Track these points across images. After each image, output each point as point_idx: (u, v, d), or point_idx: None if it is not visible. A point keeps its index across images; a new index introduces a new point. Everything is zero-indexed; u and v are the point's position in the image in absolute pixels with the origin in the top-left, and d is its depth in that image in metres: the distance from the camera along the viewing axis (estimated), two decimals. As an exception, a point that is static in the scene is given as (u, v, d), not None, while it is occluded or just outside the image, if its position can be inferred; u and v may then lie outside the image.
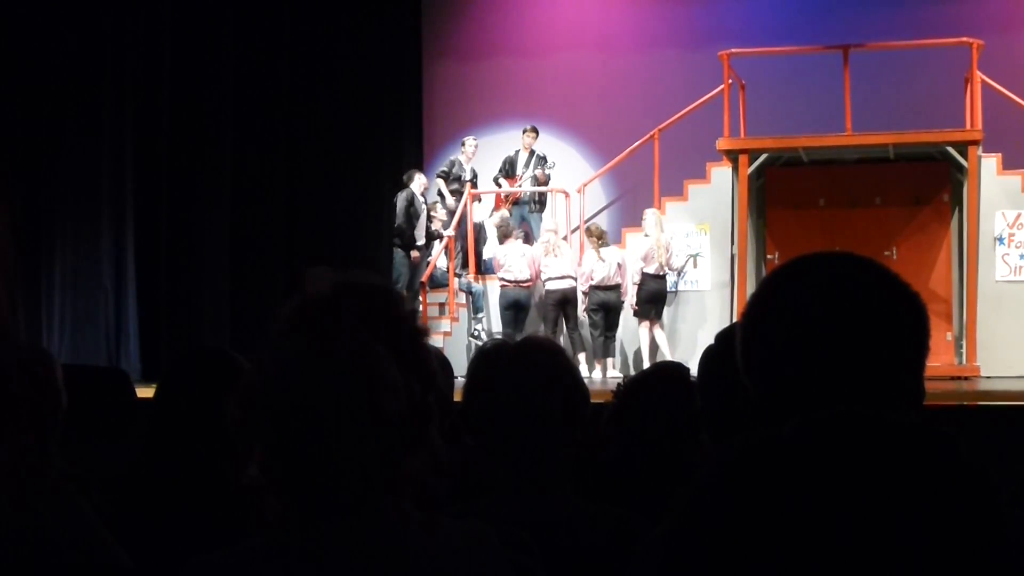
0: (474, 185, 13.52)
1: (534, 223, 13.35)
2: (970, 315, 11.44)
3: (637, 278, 11.95)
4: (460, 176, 13.52)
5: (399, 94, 14.17)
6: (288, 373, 1.58)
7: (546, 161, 13.52)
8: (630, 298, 12.02)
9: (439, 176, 13.57)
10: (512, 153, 13.62)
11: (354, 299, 1.85)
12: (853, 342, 1.45)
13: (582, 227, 13.20)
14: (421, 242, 12.69)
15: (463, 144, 13.63)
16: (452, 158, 13.72)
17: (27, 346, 2.72)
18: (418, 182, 12.78)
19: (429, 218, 12.92)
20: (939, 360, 11.35)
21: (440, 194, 13.46)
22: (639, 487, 2.74)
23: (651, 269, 11.91)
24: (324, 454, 1.54)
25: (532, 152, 13.52)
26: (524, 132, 13.56)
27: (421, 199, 12.74)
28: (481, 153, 13.88)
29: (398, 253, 12.52)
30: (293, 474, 1.56)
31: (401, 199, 12.60)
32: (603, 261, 11.97)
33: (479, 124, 14.26)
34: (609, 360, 12.01)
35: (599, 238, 12.11)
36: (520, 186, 13.52)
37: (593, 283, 11.99)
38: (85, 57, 12.13)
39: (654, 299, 11.98)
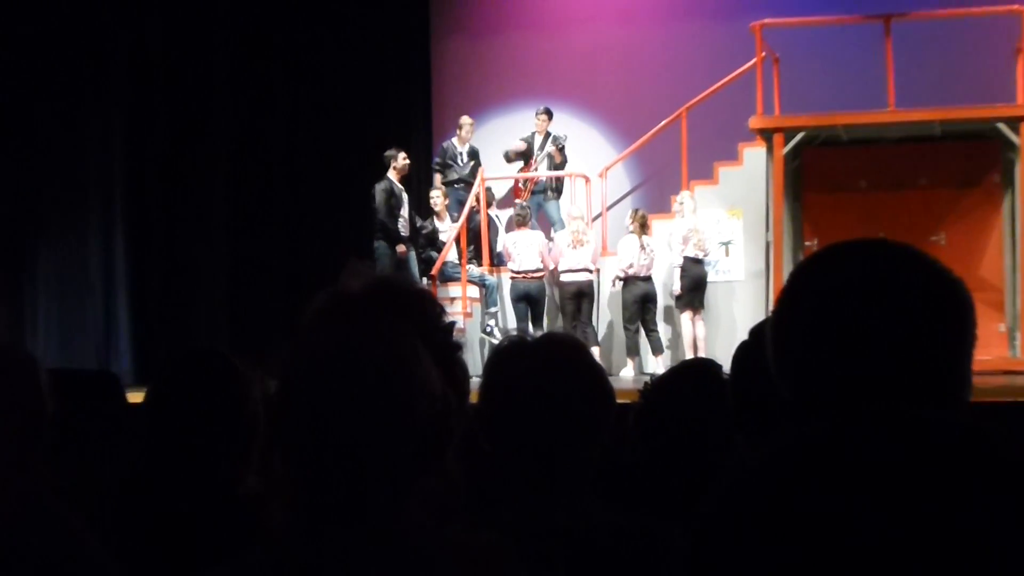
0: (477, 166, 13.42)
1: (551, 211, 13.29)
2: (1024, 304, 11.40)
3: (679, 262, 11.90)
4: (456, 161, 13.46)
5: (407, 72, 14.15)
6: (320, 365, 1.59)
7: (556, 137, 13.40)
8: (674, 286, 11.92)
9: (434, 170, 13.45)
10: (528, 135, 13.58)
11: (391, 298, 1.85)
12: (890, 334, 1.44)
13: (604, 215, 13.17)
14: (405, 234, 12.56)
15: (459, 126, 13.55)
16: (444, 144, 13.64)
17: (8, 348, 2.71)
18: (395, 168, 12.46)
19: (419, 209, 12.78)
20: (990, 353, 11.29)
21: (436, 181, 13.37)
22: (667, 492, 2.73)
23: (690, 252, 11.86)
24: (347, 453, 1.55)
25: (547, 134, 13.46)
26: (537, 115, 13.50)
27: (400, 187, 12.53)
28: (493, 134, 13.86)
29: (381, 246, 12.39)
30: (311, 474, 1.56)
31: (379, 191, 12.33)
32: (644, 250, 11.88)
33: (491, 103, 14.24)
34: (659, 357, 11.83)
35: (642, 225, 12.01)
36: (536, 170, 13.46)
37: (631, 272, 11.88)
38: (69, 40, 12.15)
39: (698, 286, 11.92)
